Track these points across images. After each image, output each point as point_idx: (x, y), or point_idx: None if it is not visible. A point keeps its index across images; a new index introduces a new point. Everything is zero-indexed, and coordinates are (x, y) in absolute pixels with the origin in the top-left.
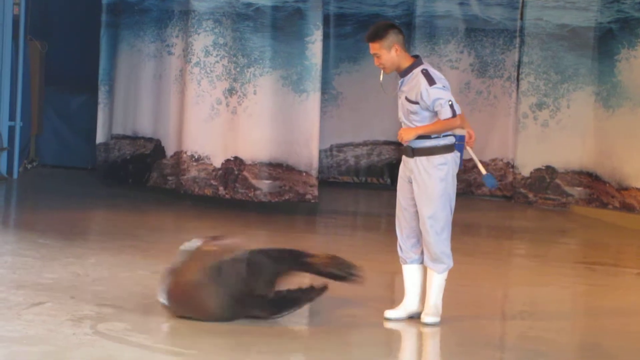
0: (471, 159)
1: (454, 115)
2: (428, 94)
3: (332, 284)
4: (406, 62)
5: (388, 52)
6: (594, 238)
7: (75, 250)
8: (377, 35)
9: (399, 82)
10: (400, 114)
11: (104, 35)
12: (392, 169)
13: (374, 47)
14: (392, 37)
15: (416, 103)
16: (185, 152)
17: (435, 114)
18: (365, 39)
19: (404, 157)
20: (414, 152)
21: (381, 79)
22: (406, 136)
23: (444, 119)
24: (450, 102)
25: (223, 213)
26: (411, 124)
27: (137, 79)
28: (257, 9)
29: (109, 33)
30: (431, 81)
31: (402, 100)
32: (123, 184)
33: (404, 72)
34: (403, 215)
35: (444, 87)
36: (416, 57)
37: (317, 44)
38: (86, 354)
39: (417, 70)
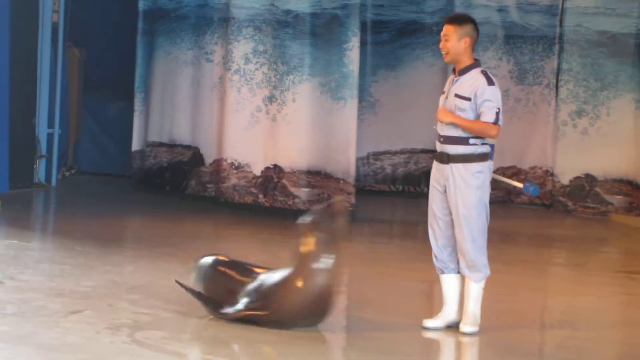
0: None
1: (496, 122)
2: (483, 92)
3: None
4: (468, 60)
5: (458, 40)
6: (634, 247)
7: (112, 257)
8: (456, 20)
9: (454, 80)
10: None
11: (140, 42)
12: (429, 177)
13: (447, 29)
14: (468, 30)
15: (468, 99)
16: (225, 160)
17: (478, 115)
18: (444, 19)
19: (436, 165)
20: (450, 159)
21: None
22: (444, 116)
23: (484, 121)
24: (497, 109)
25: (262, 221)
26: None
27: (174, 86)
28: (296, 16)
29: (145, 40)
30: (490, 82)
31: (449, 100)
32: (160, 191)
33: (463, 70)
34: (438, 225)
35: (497, 93)
36: (477, 60)
37: (355, 51)
38: None
39: (477, 70)
